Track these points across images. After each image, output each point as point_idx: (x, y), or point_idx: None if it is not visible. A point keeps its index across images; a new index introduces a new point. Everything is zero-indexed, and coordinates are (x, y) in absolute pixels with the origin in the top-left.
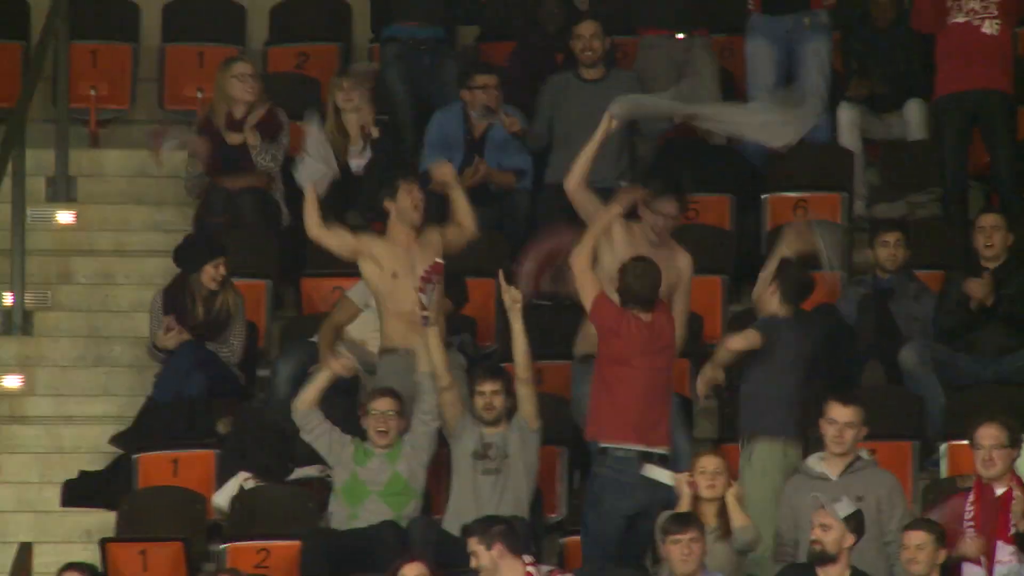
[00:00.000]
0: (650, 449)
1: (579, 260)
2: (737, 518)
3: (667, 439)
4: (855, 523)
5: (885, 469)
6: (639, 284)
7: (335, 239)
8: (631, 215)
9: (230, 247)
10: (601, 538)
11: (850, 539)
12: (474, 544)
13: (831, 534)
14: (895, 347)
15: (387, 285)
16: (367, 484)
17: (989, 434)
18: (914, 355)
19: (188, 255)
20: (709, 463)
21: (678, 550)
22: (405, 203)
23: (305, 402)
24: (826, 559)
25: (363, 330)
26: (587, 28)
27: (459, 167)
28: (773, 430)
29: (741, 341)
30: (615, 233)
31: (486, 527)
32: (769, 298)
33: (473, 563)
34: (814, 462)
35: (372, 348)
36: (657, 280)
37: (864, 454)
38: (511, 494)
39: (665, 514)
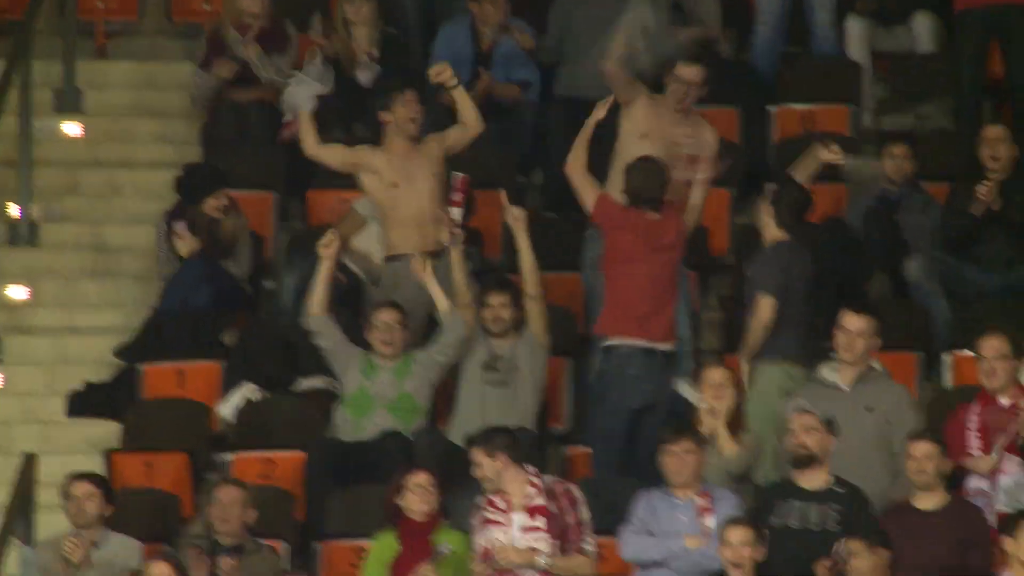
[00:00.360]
0: (654, 344)
1: (574, 167)
2: (727, 446)
3: (672, 335)
4: (834, 427)
5: (896, 383)
6: (646, 184)
7: (332, 154)
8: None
9: (237, 160)
10: (609, 436)
11: (832, 442)
12: (478, 454)
13: (815, 436)
14: (902, 259)
15: (388, 194)
16: (374, 397)
17: (992, 345)
18: (920, 267)
19: (189, 186)
20: (715, 375)
21: (672, 461)
22: (401, 114)
23: (316, 305)
24: (812, 461)
25: (369, 241)
26: None
27: (467, 80)
28: (776, 352)
29: (767, 314)
30: (637, 107)
31: (490, 437)
32: (767, 221)
33: (477, 473)
34: (827, 372)
35: (377, 260)
36: (664, 179)
37: (876, 365)
38: (518, 406)
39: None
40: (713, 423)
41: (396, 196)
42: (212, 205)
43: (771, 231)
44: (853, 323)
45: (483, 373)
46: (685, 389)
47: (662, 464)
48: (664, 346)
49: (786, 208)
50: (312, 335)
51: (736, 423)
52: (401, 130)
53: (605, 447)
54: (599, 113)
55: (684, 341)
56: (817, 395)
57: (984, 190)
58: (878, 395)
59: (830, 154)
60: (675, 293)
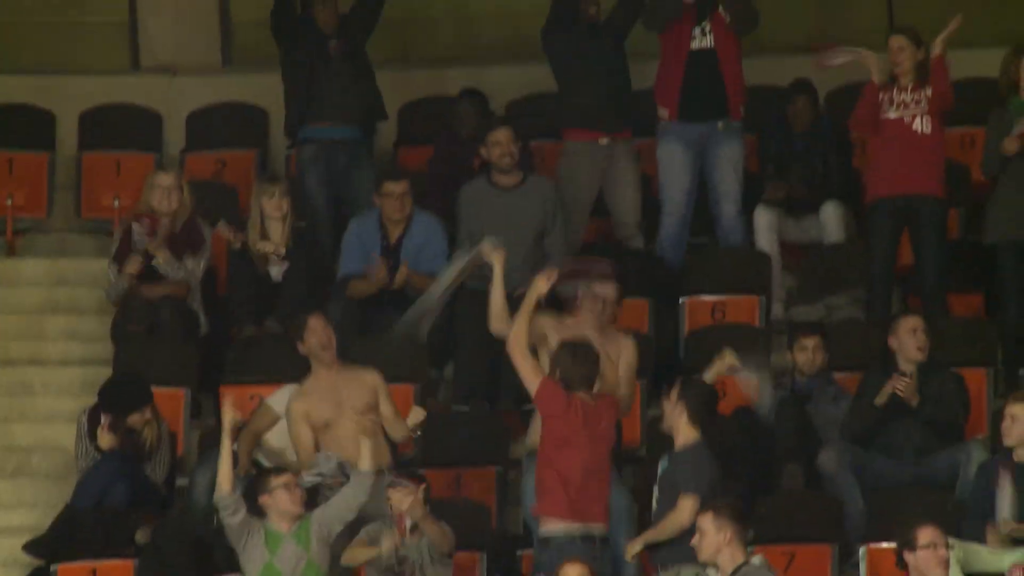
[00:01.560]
0: (590, 529)
1: (516, 347)
2: None
3: (606, 518)
4: None
5: (771, 569)
6: (580, 366)
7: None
8: (563, 308)
9: (148, 356)
10: None
11: None
12: None
13: None
14: (814, 450)
15: (324, 438)
16: (283, 574)
17: (927, 534)
18: (834, 458)
19: (114, 400)
20: (571, 573)
21: None
22: (311, 343)
23: (224, 482)
24: None
25: (282, 438)
26: (502, 135)
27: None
28: (690, 557)
29: (687, 515)
30: (551, 337)
31: None
32: (677, 420)
33: None
34: (710, 571)
35: (290, 457)
36: (595, 357)
37: (756, 560)
38: None
39: None
40: None
41: (331, 436)
42: (136, 419)
43: (684, 431)
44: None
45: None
46: None
47: None
48: (600, 531)
49: (696, 405)
50: (221, 512)
51: None
52: (317, 358)
53: None
54: (541, 287)
55: (626, 523)
56: None
57: (902, 385)
58: None
59: (729, 363)
60: (609, 479)
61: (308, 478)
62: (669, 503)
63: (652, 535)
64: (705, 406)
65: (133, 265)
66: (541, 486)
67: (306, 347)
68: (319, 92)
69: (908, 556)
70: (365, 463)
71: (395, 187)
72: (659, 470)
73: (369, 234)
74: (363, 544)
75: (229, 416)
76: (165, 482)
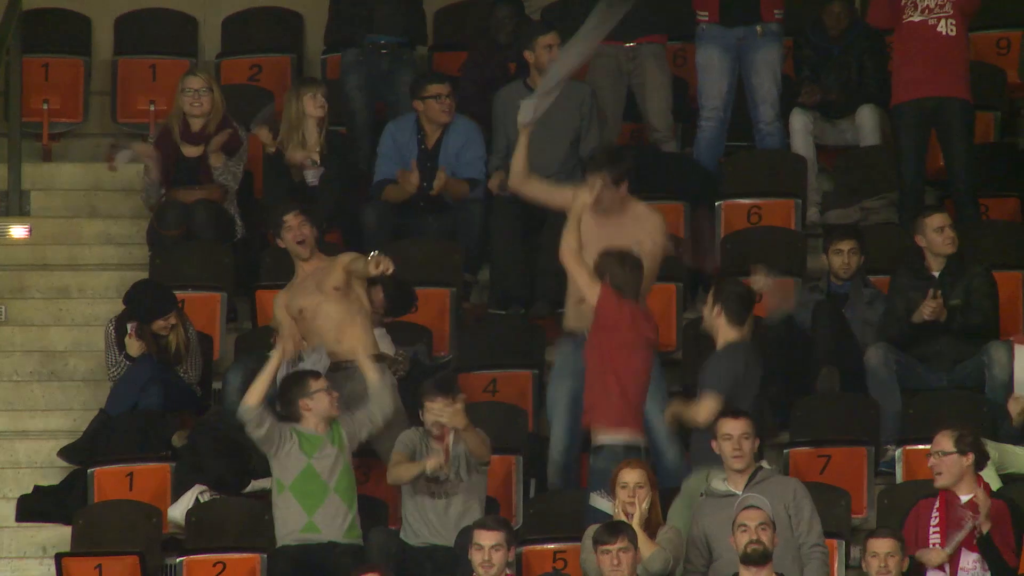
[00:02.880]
0: (638, 438)
1: (569, 256)
2: (644, 547)
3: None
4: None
5: (786, 476)
6: (629, 273)
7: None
8: None
9: (183, 261)
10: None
11: (776, 540)
12: None
13: (768, 532)
14: (850, 353)
15: (303, 327)
16: (322, 476)
17: (935, 442)
18: (880, 357)
19: (138, 308)
20: (630, 476)
21: (607, 560)
22: (287, 239)
23: (254, 396)
24: (767, 558)
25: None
26: (551, 38)
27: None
28: (712, 458)
29: (707, 413)
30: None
31: None
32: (716, 321)
33: None
34: (717, 483)
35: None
36: (640, 264)
37: (764, 464)
38: (459, 512)
39: (595, 526)
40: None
41: (307, 323)
42: (160, 326)
43: (724, 332)
44: (734, 427)
45: (425, 483)
46: (598, 501)
47: (599, 563)
48: (643, 442)
49: (735, 305)
50: (246, 425)
51: (655, 521)
52: (295, 254)
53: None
54: (585, 197)
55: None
56: (714, 506)
57: (929, 310)
58: (772, 493)
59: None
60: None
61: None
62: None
63: (680, 415)
64: (743, 306)
65: (154, 153)
66: (601, 394)
67: (283, 243)
68: (365, 6)
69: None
70: (372, 375)
71: (440, 88)
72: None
73: (406, 138)
74: (404, 459)
75: (288, 347)
76: (200, 385)
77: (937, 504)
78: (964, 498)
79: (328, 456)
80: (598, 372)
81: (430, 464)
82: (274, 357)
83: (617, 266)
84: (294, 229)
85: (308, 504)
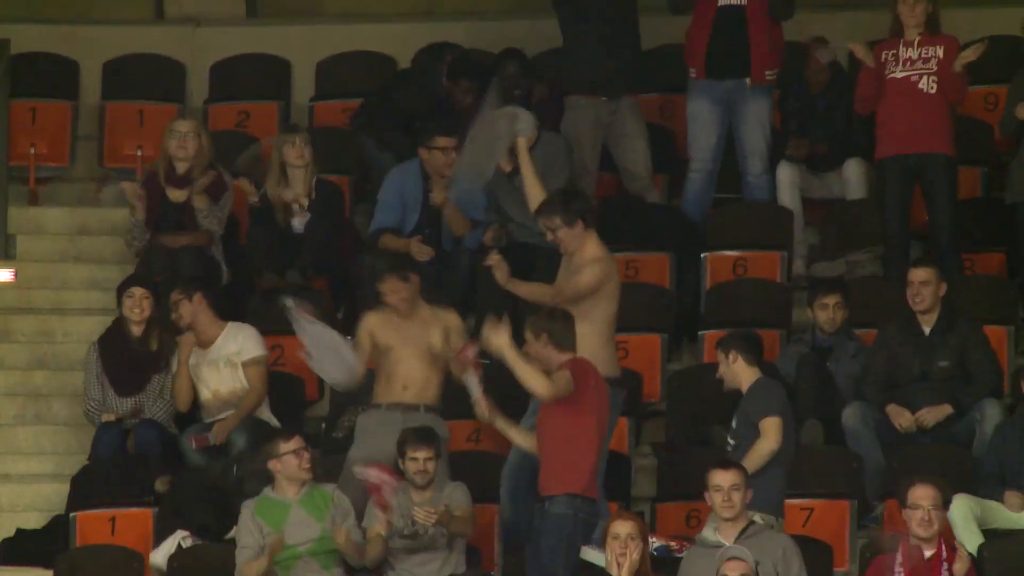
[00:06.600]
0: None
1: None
2: None
3: None
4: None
5: (778, 532)
6: (566, 327)
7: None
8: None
9: (169, 305)
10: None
11: None
12: None
13: None
14: (834, 406)
15: (382, 359)
16: (294, 543)
17: (927, 494)
18: (856, 415)
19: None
20: (622, 528)
21: None
22: (393, 302)
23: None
24: None
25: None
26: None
27: (416, 226)
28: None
29: (774, 438)
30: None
31: None
32: (735, 368)
33: None
34: (708, 532)
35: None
36: (569, 315)
37: (758, 518)
38: (438, 568)
39: None
40: (617, 574)
41: (389, 362)
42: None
43: (747, 374)
44: (724, 479)
45: (398, 538)
46: (590, 553)
47: None
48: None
49: (746, 347)
50: None
51: (645, 572)
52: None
53: None
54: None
55: None
56: (701, 555)
57: (903, 418)
58: (763, 548)
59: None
60: None
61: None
62: (749, 441)
63: (747, 467)
64: (755, 347)
65: (139, 191)
66: (590, 464)
67: (390, 305)
68: None
69: (902, 511)
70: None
71: (447, 142)
72: (732, 423)
73: (410, 187)
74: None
75: (278, 547)
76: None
77: (899, 559)
78: (928, 552)
79: (298, 523)
80: (593, 441)
81: (375, 529)
82: (267, 552)
83: (554, 323)
84: (398, 291)
85: (283, 568)
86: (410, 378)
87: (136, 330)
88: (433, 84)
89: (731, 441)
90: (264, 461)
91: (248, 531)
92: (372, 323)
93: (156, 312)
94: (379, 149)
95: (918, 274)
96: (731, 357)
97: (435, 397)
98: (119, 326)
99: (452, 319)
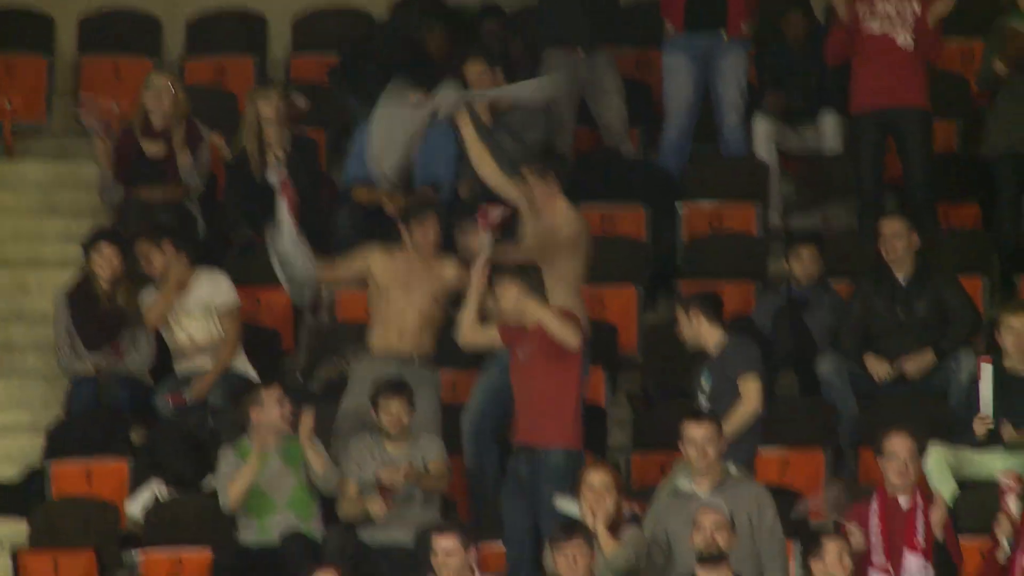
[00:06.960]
0: None
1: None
2: (608, 546)
3: None
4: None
5: (753, 482)
6: (540, 282)
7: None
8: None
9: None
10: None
11: (736, 540)
12: None
13: (724, 533)
14: (810, 358)
15: (377, 301)
16: (269, 493)
17: (904, 444)
18: (830, 365)
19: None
20: (595, 478)
21: (563, 559)
22: (418, 237)
23: (235, 499)
24: (721, 559)
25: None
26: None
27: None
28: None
29: (755, 397)
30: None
31: None
32: (699, 329)
33: None
34: (683, 482)
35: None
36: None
37: (732, 470)
38: (416, 512)
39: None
40: (592, 523)
41: (385, 303)
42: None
43: (711, 334)
44: (697, 432)
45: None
46: (564, 504)
47: (555, 563)
48: None
49: (708, 307)
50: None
51: (619, 522)
52: (417, 249)
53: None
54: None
55: None
56: (677, 506)
57: (880, 368)
58: (737, 499)
59: None
60: None
61: None
62: (729, 400)
63: (730, 430)
64: (716, 307)
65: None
66: (578, 414)
67: (411, 239)
68: None
69: (878, 460)
70: (317, 465)
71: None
72: (702, 383)
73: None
74: (353, 495)
75: (269, 443)
76: (155, 376)
77: (874, 507)
78: (903, 501)
79: (274, 473)
80: (575, 391)
81: (373, 511)
82: (254, 457)
83: (524, 276)
84: (429, 233)
85: (259, 515)
86: (406, 325)
87: (105, 286)
88: (408, 32)
89: (706, 404)
90: (242, 412)
91: (235, 466)
92: (376, 259)
93: (125, 265)
94: (361, 105)
95: (889, 225)
96: (693, 317)
97: (430, 346)
98: (87, 281)
99: (454, 270)
